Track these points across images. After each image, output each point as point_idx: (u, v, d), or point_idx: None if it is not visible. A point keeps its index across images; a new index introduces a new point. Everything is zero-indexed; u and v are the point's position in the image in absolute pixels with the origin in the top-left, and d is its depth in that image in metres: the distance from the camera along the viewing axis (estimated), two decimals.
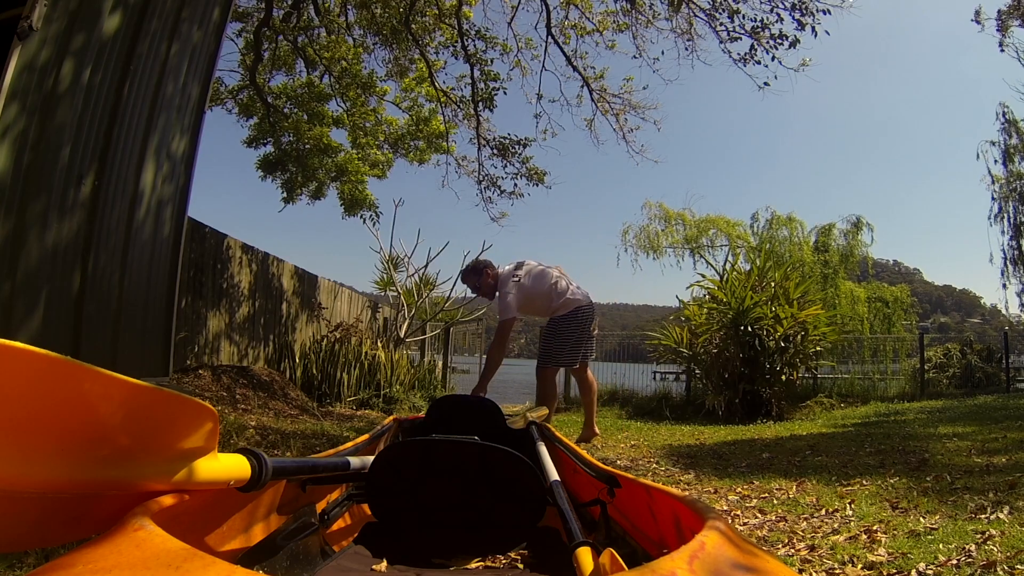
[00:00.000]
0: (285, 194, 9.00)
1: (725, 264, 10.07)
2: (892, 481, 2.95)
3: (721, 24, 7.54)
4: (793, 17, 7.05)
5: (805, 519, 2.39)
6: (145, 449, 0.79)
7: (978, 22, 16.43)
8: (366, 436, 2.15)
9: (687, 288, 11.28)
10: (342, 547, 1.54)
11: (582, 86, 9.72)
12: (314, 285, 10.16)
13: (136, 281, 4.00)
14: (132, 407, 0.74)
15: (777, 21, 7.18)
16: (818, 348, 9.59)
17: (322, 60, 8.88)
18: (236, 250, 8.00)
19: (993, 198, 14.55)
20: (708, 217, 14.86)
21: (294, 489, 1.39)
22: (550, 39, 8.98)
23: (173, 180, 4.24)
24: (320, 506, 1.60)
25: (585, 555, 1.00)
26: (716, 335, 9.56)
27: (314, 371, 7.79)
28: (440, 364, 11.67)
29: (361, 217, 9.57)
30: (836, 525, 2.25)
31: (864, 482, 2.98)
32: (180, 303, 6.88)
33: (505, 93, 9.54)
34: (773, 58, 7.51)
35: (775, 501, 2.74)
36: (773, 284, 9.44)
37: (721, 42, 7.71)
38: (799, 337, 9.29)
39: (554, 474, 1.68)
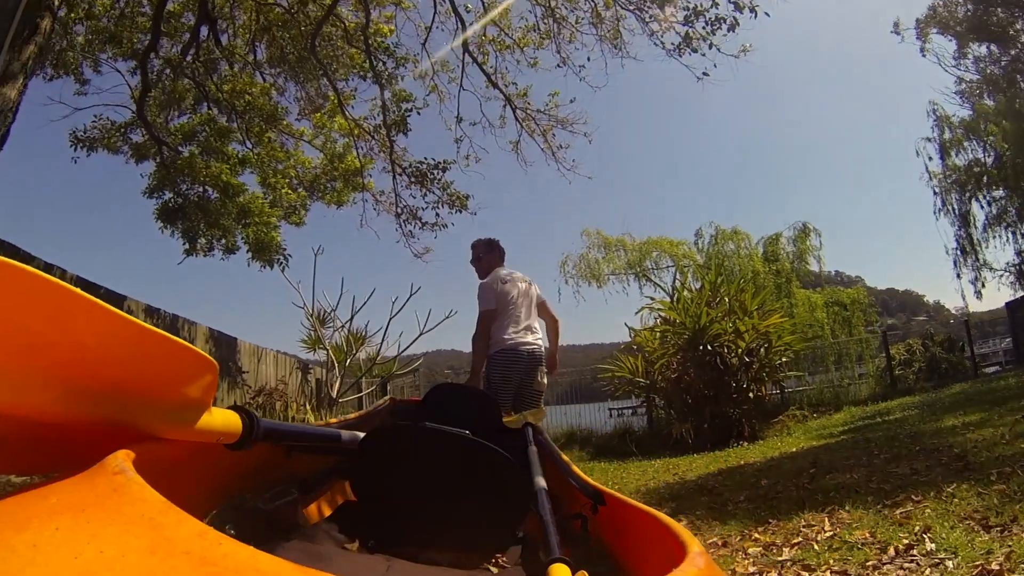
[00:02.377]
0: (187, 244, 7.94)
1: (674, 284, 9.57)
2: (950, 490, 2.26)
3: (651, 16, 7.15)
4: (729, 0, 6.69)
5: (879, 568, 1.64)
6: (142, 392, 0.79)
7: (897, 33, 17.30)
8: (360, 413, 2.17)
9: (636, 313, 10.67)
10: (317, 521, 1.53)
11: (504, 105, 9.12)
12: (233, 348, 9.07)
13: None
14: (135, 347, 0.75)
15: (712, 6, 6.81)
16: (784, 359, 9.09)
17: (223, 94, 7.94)
18: (138, 314, 7.02)
19: (935, 192, 14.79)
20: (650, 240, 14.33)
21: (279, 454, 1.38)
22: (467, 57, 8.41)
23: None
24: (303, 476, 1.57)
25: (559, 572, 0.91)
26: (673, 359, 8.94)
27: None
28: None
29: (269, 263, 8.43)
30: (929, 569, 1.51)
31: (915, 497, 2.28)
32: None
33: (419, 114, 8.81)
34: (711, 45, 7.14)
35: (816, 546, 1.99)
36: (728, 298, 8.95)
37: (651, 34, 7.31)
38: (762, 350, 8.78)
39: (541, 481, 1.59)
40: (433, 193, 9.31)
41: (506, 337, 3.90)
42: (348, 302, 9.44)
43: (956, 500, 2.14)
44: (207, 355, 0.84)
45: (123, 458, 0.68)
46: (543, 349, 4.04)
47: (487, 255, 4.20)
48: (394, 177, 9.40)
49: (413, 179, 9.28)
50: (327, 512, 1.62)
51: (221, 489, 1.15)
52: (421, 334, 8.80)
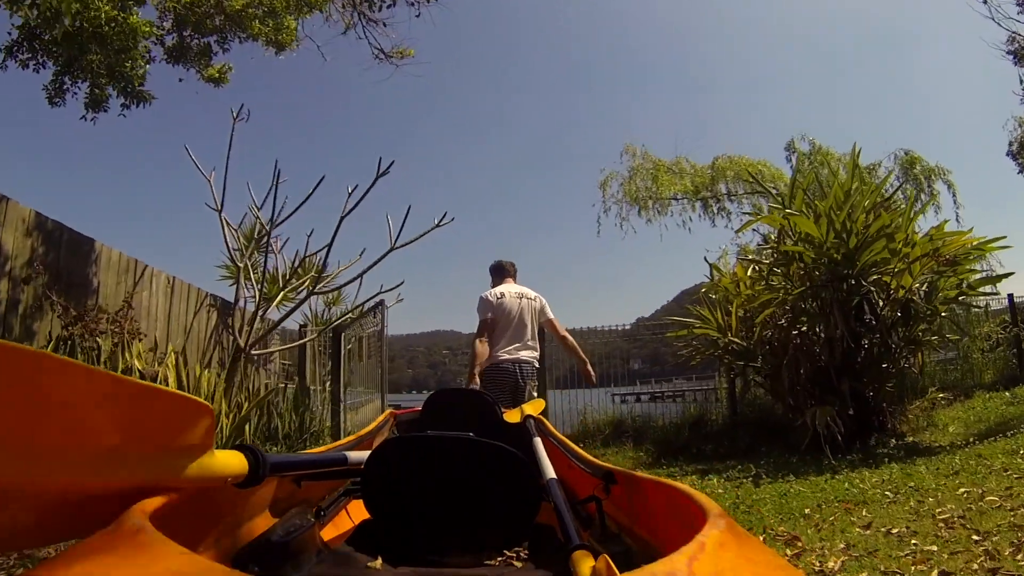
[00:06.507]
0: None
1: (794, 183, 6.40)
2: None
3: None
4: None
5: None
6: (141, 447, 0.77)
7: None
8: (363, 431, 2.21)
9: (737, 232, 7.52)
10: (338, 544, 1.55)
11: None
12: (84, 256, 5.59)
13: None
14: (126, 404, 0.73)
15: None
16: (948, 311, 5.95)
17: None
18: None
19: None
20: (721, 158, 10.56)
21: (289, 485, 1.39)
22: None
23: None
24: (316, 502, 1.59)
25: (581, 559, 0.94)
26: (786, 306, 5.73)
27: None
28: (328, 394, 7.25)
29: (120, 84, 4.67)
30: None
31: None
32: None
33: None
34: None
35: None
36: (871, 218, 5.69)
37: None
38: (919, 298, 5.60)
39: (550, 471, 1.62)
40: None
41: (497, 353, 4.17)
42: (284, 200, 5.83)
43: None
44: (201, 400, 0.83)
45: (138, 515, 0.68)
46: (533, 365, 4.28)
47: (494, 277, 4.56)
48: None
49: None
50: (347, 534, 1.64)
51: (238, 528, 1.14)
52: (393, 248, 5.36)
